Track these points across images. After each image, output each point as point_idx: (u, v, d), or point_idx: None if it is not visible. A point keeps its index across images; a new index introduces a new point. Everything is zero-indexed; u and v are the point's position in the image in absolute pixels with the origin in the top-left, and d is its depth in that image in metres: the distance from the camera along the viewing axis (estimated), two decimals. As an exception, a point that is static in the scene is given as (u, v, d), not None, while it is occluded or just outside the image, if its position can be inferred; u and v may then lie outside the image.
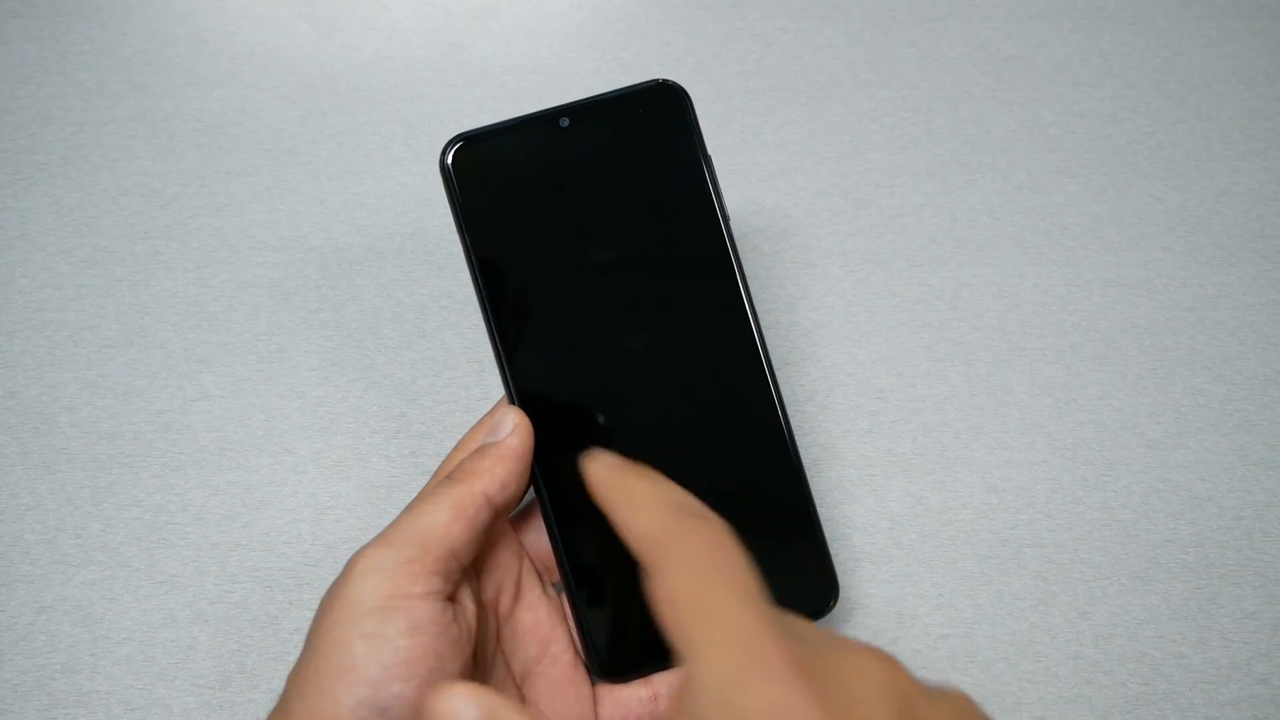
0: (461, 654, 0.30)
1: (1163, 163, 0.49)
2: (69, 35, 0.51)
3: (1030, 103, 0.50)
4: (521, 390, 0.34)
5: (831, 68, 0.51)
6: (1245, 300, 0.46)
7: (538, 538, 0.35)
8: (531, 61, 0.51)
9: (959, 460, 0.44)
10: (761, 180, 0.49)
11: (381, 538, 0.30)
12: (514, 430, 0.32)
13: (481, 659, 0.32)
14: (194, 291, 0.46)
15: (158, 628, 0.41)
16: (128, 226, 0.47)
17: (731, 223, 0.35)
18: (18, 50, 0.51)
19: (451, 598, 0.31)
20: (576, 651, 0.35)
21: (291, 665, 0.30)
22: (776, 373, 0.35)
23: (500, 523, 0.34)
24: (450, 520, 0.30)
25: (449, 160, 0.34)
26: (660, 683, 0.34)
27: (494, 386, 0.44)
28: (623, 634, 0.34)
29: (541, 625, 0.34)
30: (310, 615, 0.30)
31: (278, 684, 0.39)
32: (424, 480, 0.41)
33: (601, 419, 0.34)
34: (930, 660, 0.41)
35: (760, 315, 0.42)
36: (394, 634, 0.28)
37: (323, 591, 0.30)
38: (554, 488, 0.34)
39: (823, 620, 0.37)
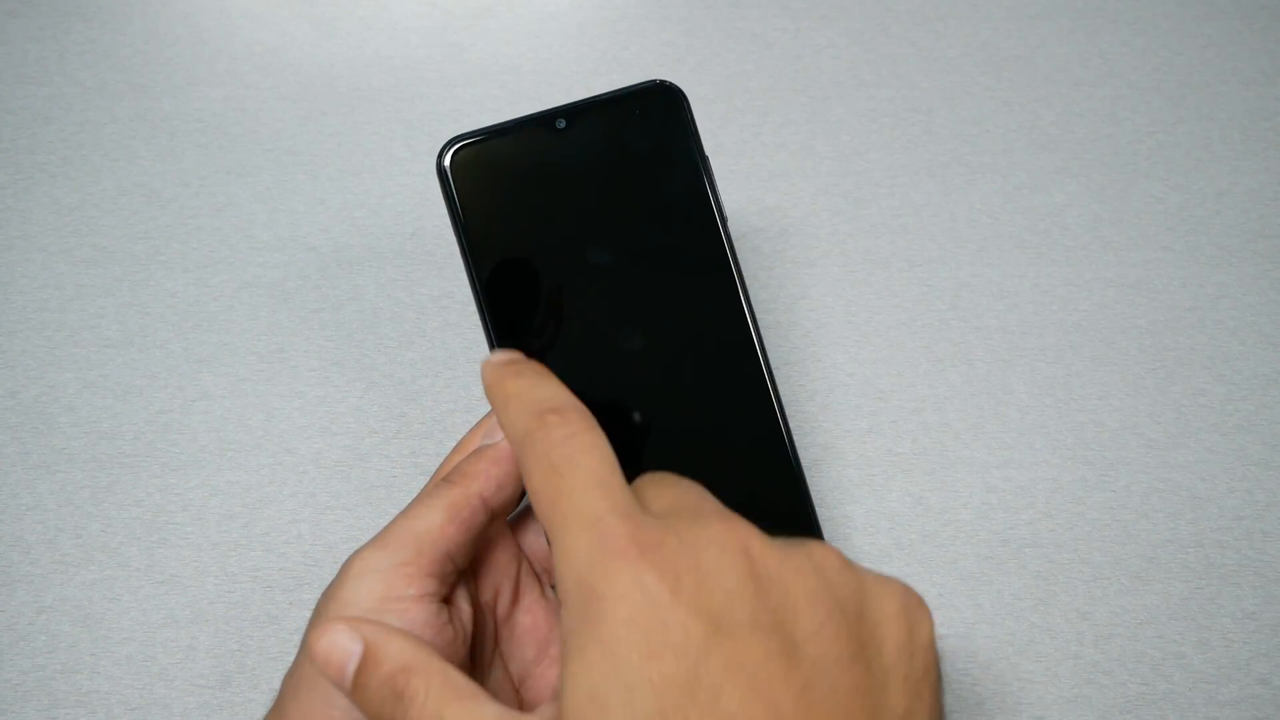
0: (457, 656, 0.30)
1: (1163, 163, 0.49)
2: (69, 35, 0.51)
3: (1030, 103, 0.50)
4: (520, 391, 0.34)
5: (831, 68, 0.51)
6: (1245, 300, 0.46)
7: (536, 540, 0.35)
8: (531, 61, 0.51)
9: (959, 460, 0.44)
10: (761, 180, 0.49)
11: (376, 540, 0.30)
12: None
13: (479, 661, 0.32)
14: (194, 291, 0.46)
15: (158, 628, 0.41)
16: (128, 226, 0.47)
17: (731, 223, 0.35)
18: (18, 50, 0.51)
19: (447, 600, 0.31)
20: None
21: (288, 669, 0.30)
22: (776, 373, 0.35)
23: (499, 525, 0.34)
24: (445, 522, 0.30)
25: (445, 162, 0.34)
26: None
27: (494, 386, 0.44)
28: None
29: (540, 627, 0.34)
30: (310, 615, 0.30)
31: (278, 684, 0.39)
32: (424, 480, 0.41)
33: (599, 420, 0.34)
34: (930, 660, 0.41)
35: (760, 315, 0.42)
36: None
37: (322, 592, 0.30)
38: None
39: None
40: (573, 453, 0.26)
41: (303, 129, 0.49)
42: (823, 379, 0.45)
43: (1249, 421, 0.44)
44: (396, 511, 0.31)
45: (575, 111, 0.34)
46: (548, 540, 0.26)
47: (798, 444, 0.36)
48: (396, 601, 0.29)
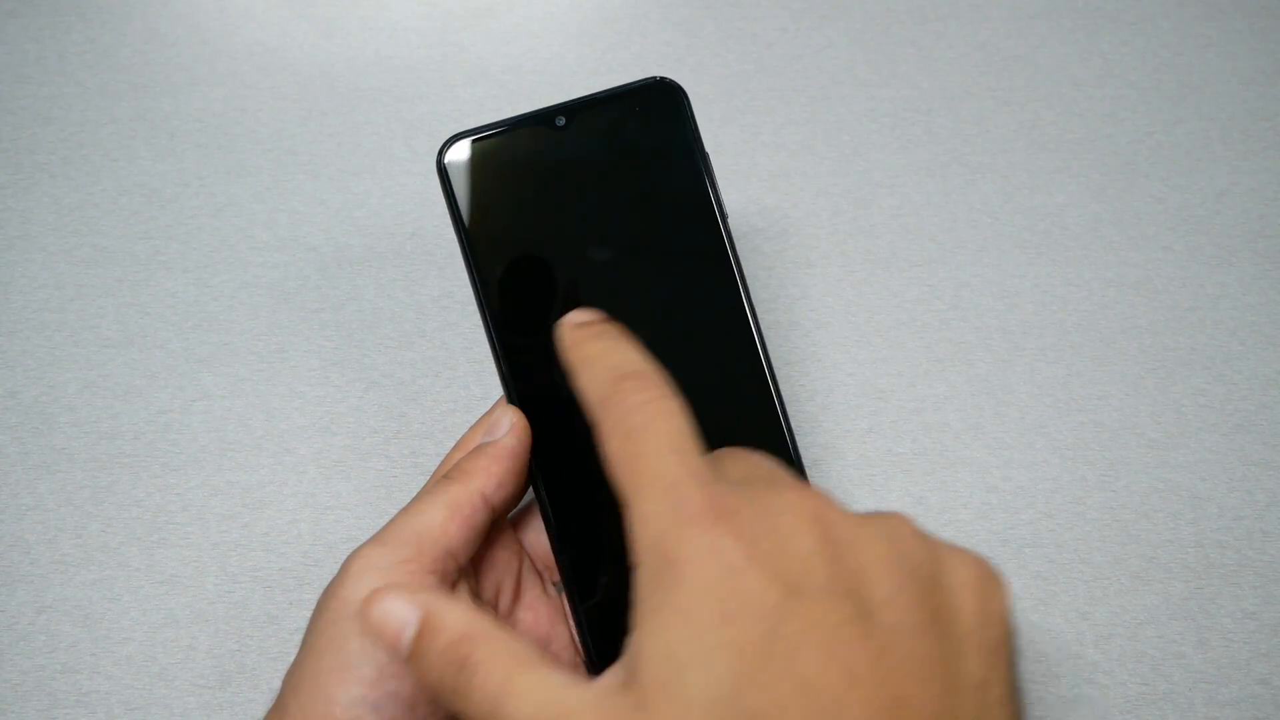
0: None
1: (1163, 163, 0.49)
2: (69, 35, 0.51)
3: (1030, 103, 0.50)
4: (519, 390, 0.34)
5: (831, 68, 0.51)
6: (1245, 300, 0.46)
7: (537, 537, 0.35)
8: (531, 61, 0.51)
9: (959, 460, 0.44)
10: (761, 180, 0.49)
11: (377, 537, 0.30)
12: (511, 430, 0.32)
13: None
14: (194, 291, 0.46)
15: (158, 628, 0.41)
16: (128, 226, 0.47)
17: (731, 221, 0.35)
18: (18, 50, 0.51)
19: (448, 597, 0.31)
20: (576, 651, 0.35)
21: (289, 667, 0.30)
22: (777, 373, 0.35)
23: (500, 522, 0.34)
24: (446, 520, 0.30)
25: (445, 160, 0.34)
26: None
27: (494, 386, 0.44)
28: (622, 633, 0.34)
29: (541, 624, 0.34)
30: (310, 615, 0.30)
31: (278, 684, 0.39)
32: (424, 480, 0.41)
33: None
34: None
35: (760, 315, 0.42)
36: None
37: (321, 592, 0.30)
38: (552, 487, 0.34)
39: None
40: (650, 418, 0.26)
41: (303, 129, 0.49)
42: (823, 379, 0.45)
43: (1249, 421, 0.44)
44: (396, 511, 0.32)
45: (575, 109, 0.34)
46: (621, 504, 0.25)
47: (799, 444, 0.36)
48: None
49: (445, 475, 0.32)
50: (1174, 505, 0.43)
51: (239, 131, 0.49)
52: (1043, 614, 0.41)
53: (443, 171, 0.34)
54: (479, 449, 0.32)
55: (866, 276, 0.47)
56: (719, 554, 0.23)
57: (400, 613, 0.26)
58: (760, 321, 0.35)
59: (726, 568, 0.23)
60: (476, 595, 0.32)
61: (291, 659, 0.30)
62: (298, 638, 0.40)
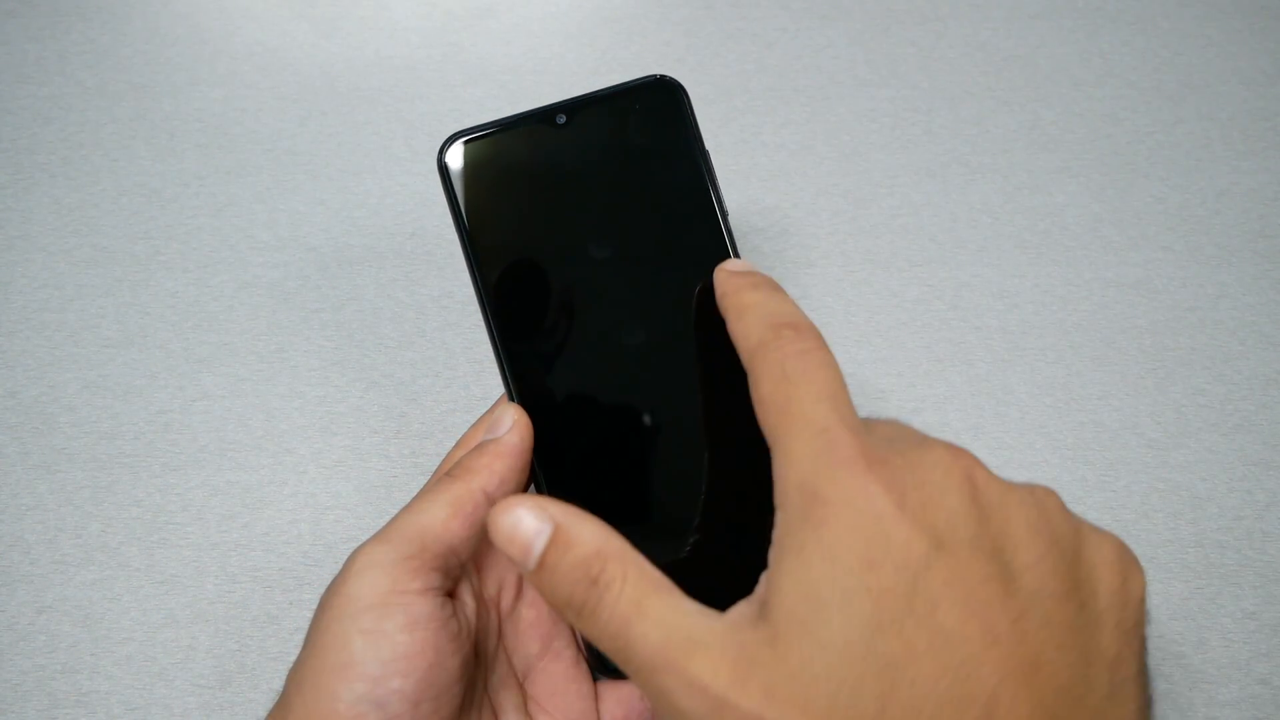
0: (461, 649, 0.30)
1: (1163, 163, 0.49)
2: (69, 35, 0.51)
3: (1030, 103, 0.50)
4: (520, 387, 0.34)
5: (831, 68, 0.51)
6: (1245, 300, 0.46)
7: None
8: (531, 61, 0.51)
9: (959, 460, 0.44)
10: (761, 180, 0.49)
11: (380, 535, 0.30)
12: (513, 427, 0.32)
13: (483, 654, 0.32)
14: (194, 291, 0.46)
15: (158, 628, 0.41)
16: (128, 226, 0.47)
17: (731, 220, 0.35)
18: (18, 50, 0.51)
19: (451, 594, 0.31)
20: (579, 648, 0.35)
21: (292, 664, 0.30)
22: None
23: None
24: (449, 517, 0.30)
25: (446, 158, 0.34)
26: None
27: (494, 386, 0.44)
28: None
29: (543, 621, 0.34)
30: (310, 615, 0.30)
31: (278, 684, 0.39)
32: (424, 480, 0.41)
33: (601, 415, 0.34)
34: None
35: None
36: (393, 630, 0.28)
37: (323, 591, 0.30)
38: (554, 484, 0.34)
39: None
40: (807, 366, 0.26)
41: (303, 129, 0.49)
42: (823, 379, 0.45)
43: (1249, 421, 0.44)
44: (396, 511, 0.31)
45: (576, 107, 0.34)
46: (769, 443, 0.26)
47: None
48: (400, 595, 0.29)
49: (447, 473, 0.32)
50: (1174, 505, 0.43)
51: (239, 131, 0.49)
52: (1043, 614, 0.41)
53: (443, 170, 0.34)
54: (481, 446, 0.32)
55: (866, 276, 0.47)
56: (868, 499, 0.23)
57: (531, 523, 0.26)
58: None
59: (875, 514, 0.23)
60: (478, 592, 0.32)
61: (292, 659, 0.30)
62: (298, 638, 0.40)
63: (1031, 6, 0.53)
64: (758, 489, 0.34)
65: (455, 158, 0.34)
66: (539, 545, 0.26)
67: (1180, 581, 0.42)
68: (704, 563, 0.32)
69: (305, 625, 0.31)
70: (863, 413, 0.44)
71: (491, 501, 0.31)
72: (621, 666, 0.25)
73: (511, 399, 0.34)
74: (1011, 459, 0.44)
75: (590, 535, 0.26)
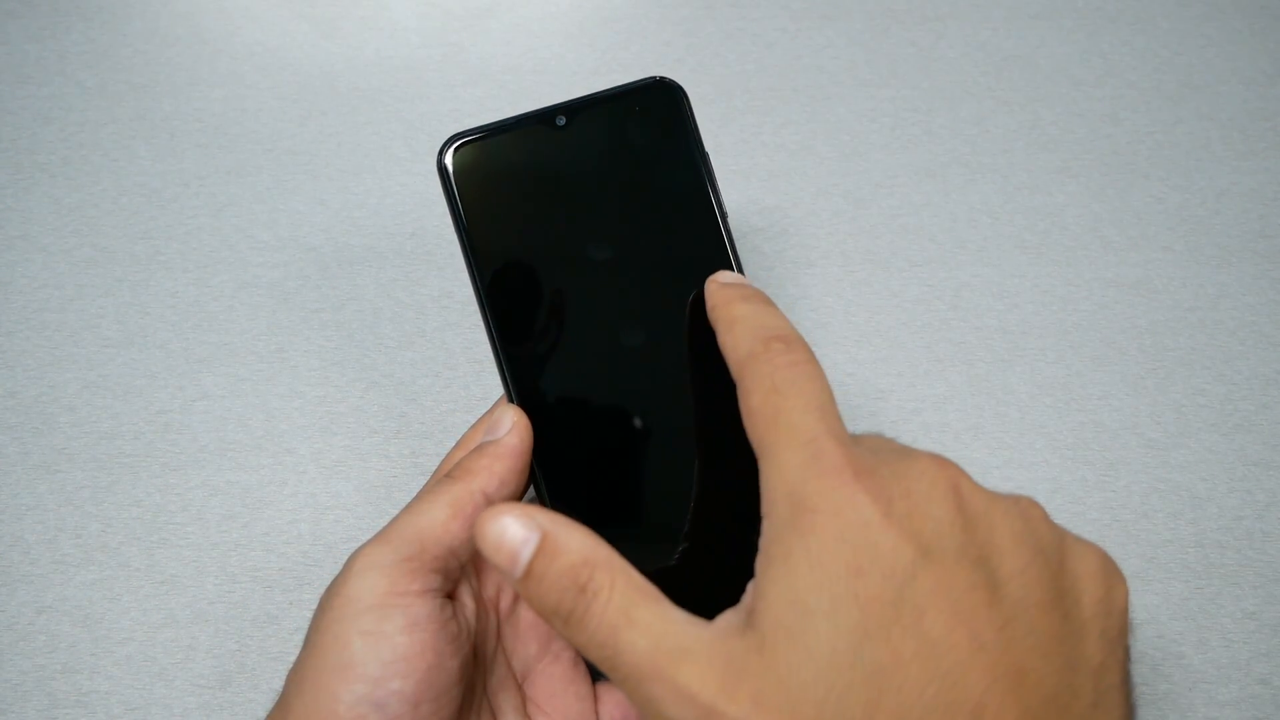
0: (460, 651, 0.30)
1: (1163, 163, 0.49)
2: (69, 35, 0.51)
3: (1030, 103, 0.50)
4: (520, 389, 0.34)
5: (831, 68, 0.51)
6: (1245, 300, 0.46)
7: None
8: (531, 61, 0.51)
9: (959, 460, 0.43)
10: (761, 180, 0.49)
11: (380, 536, 0.30)
12: (512, 428, 0.32)
13: (482, 656, 0.32)
14: (194, 291, 0.46)
15: (158, 628, 0.41)
16: (128, 226, 0.47)
17: (731, 221, 0.35)
18: (18, 50, 0.51)
19: (450, 595, 0.31)
20: (577, 650, 0.35)
21: (292, 665, 0.30)
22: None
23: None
24: (448, 518, 0.30)
25: (446, 159, 0.34)
26: None
27: (494, 386, 0.44)
28: None
29: (542, 623, 0.34)
30: (310, 615, 0.30)
31: (278, 684, 0.39)
32: (424, 480, 0.41)
33: (600, 417, 0.34)
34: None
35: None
36: (392, 631, 0.28)
37: (322, 591, 0.30)
38: (554, 486, 0.34)
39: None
40: (796, 377, 0.27)
41: (303, 129, 0.49)
42: (823, 379, 0.45)
43: (1249, 421, 0.44)
44: (396, 511, 0.31)
45: (575, 108, 0.34)
46: (757, 453, 0.26)
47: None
48: (400, 597, 0.29)
49: (447, 474, 0.32)
50: (1174, 505, 0.43)
51: (239, 131, 0.49)
52: (1043, 614, 0.41)
53: (443, 171, 0.34)
54: (480, 448, 0.32)
55: (866, 276, 0.47)
56: (855, 508, 0.24)
57: (519, 531, 0.26)
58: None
59: (862, 522, 0.23)
60: (478, 594, 0.32)
61: (292, 659, 0.30)
62: (298, 638, 0.40)
63: (1031, 6, 0.53)
64: (747, 499, 0.34)
65: (455, 159, 0.34)
66: (526, 553, 0.26)
67: (1180, 581, 0.42)
68: (692, 571, 0.32)
69: (305, 625, 0.31)
70: (863, 412, 0.44)
71: (491, 503, 0.31)
72: (609, 675, 0.25)
73: (511, 400, 0.34)
74: (1011, 459, 0.44)
75: (578, 544, 0.26)
